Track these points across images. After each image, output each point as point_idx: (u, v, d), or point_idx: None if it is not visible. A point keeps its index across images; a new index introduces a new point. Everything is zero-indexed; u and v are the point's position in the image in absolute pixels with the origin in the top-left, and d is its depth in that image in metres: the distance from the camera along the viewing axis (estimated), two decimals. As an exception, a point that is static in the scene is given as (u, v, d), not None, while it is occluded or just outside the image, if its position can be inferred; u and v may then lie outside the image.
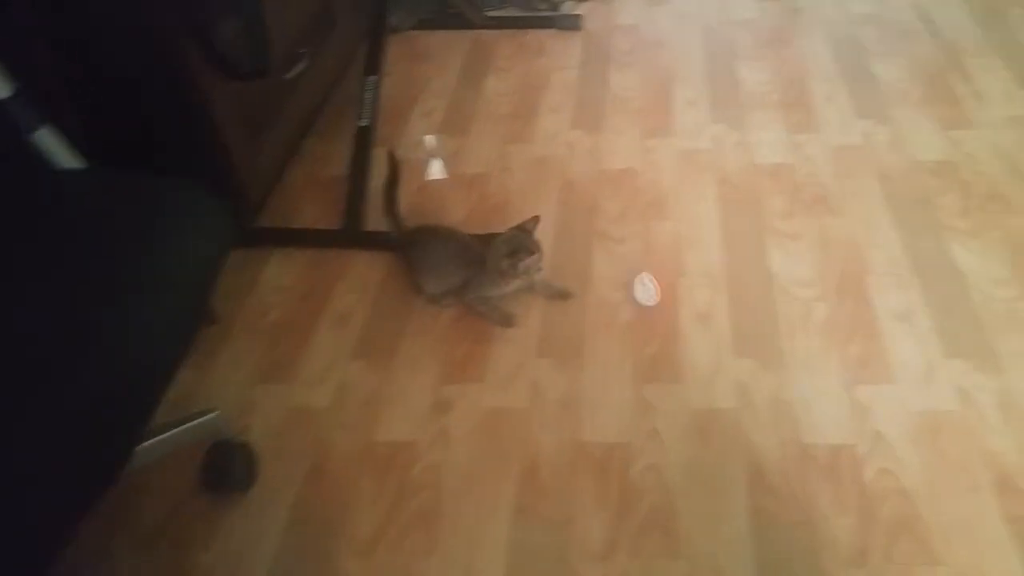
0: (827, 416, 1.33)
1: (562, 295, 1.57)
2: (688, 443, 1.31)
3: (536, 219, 1.53)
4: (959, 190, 1.72)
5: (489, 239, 1.53)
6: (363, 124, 1.89)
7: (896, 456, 1.26)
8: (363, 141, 1.87)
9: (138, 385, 0.69)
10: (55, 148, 1.06)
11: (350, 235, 1.73)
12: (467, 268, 1.54)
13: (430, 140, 1.97)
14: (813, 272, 1.57)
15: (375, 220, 1.74)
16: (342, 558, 1.19)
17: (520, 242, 1.49)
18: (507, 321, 1.53)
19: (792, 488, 1.23)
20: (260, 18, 1.38)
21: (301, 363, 1.49)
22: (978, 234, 1.61)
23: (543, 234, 1.70)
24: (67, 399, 0.64)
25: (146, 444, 1.07)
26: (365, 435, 1.36)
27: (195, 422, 1.18)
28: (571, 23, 2.39)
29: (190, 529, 1.24)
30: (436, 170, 1.88)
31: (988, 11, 2.28)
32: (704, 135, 1.95)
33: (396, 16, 2.26)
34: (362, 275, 1.66)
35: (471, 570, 1.17)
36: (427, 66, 2.28)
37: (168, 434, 1.13)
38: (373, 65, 1.94)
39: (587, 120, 2.03)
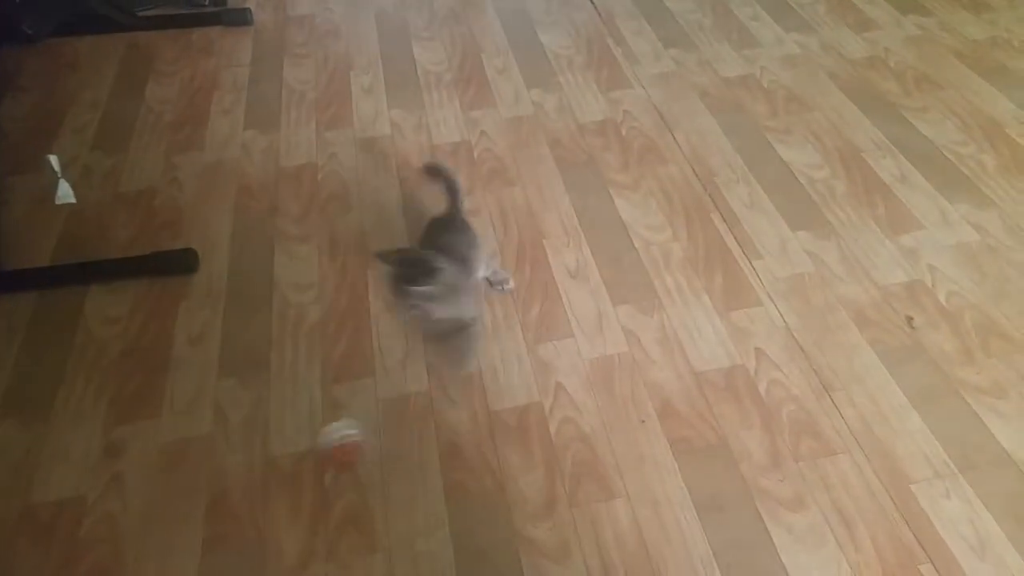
0: (514, 379, 1.38)
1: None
2: (382, 435, 1.30)
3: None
4: (619, 147, 1.87)
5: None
6: (-5, 149, 1.66)
7: (576, 404, 1.34)
8: (-4, 168, 1.65)
9: None
10: None
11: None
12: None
13: (53, 160, 1.75)
14: (493, 244, 1.63)
15: (20, 255, 1.56)
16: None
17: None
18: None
19: (484, 457, 1.27)
20: None
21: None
22: (636, 186, 1.76)
23: (219, 246, 1.62)
24: None
25: None
26: (21, 499, 1.21)
27: None
28: (240, 18, 2.27)
29: None
30: (64, 193, 1.69)
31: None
32: (383, 121, 1.94)
33: (28, 21, 2.01)
34: (6, 319, 1.47)
35: (153, 623, 1.08)
36: (76, 75, 2.06)
37: None
38: (3, 79, 1.71)
39: (262, 119, 1.95)
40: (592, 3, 2.38)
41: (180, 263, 1.55)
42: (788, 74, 2.07)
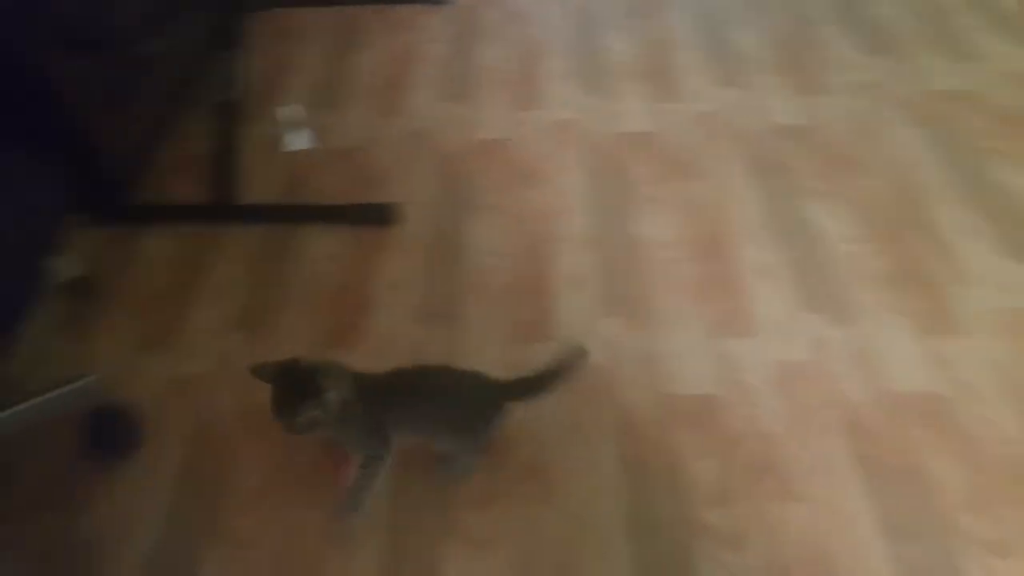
0: (693, 369, 1.39)
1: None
2: (562, 398, 1.34)
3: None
4: (813, 153, 1.83)
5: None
6: (230, 99, 1.83)
7: (757, 403, 1.34)
8: (230, 117, 1.81)
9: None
10: None
11: (222, 210, 1.68)
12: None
13: (290, 110, 1.92)
14: (678, 234, 1.64)
15: (251, 192, 1.73)
16: (232, 514, 1.19)
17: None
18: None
19: (660, 436, 1.29)
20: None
21: (181, 334, 1.46)
22: (830, 194, 1.72)
23: (417, 205, 1.71)
24: None
25: (22, 407, 1.03)
26: (249, 398, 1.34)
27: (72, 387, 1.15)
28: (440, -3, 2.38)
29: (76, 494, 1.21)
30: (301, 140, 1.84)
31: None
32: (572, 105, 1.99)
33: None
34: (239, 248, 1.63)
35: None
36: (293, 42, 2.22)
37: (44, 398, 1.10)
38: (236, 40, 1.88)
39: (458, 92, 2.04)
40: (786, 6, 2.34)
41: (385, 215, 1.66)
42: (1011, 92, 1.96)
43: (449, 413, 1.14)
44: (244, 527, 1.18)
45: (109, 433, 1.24)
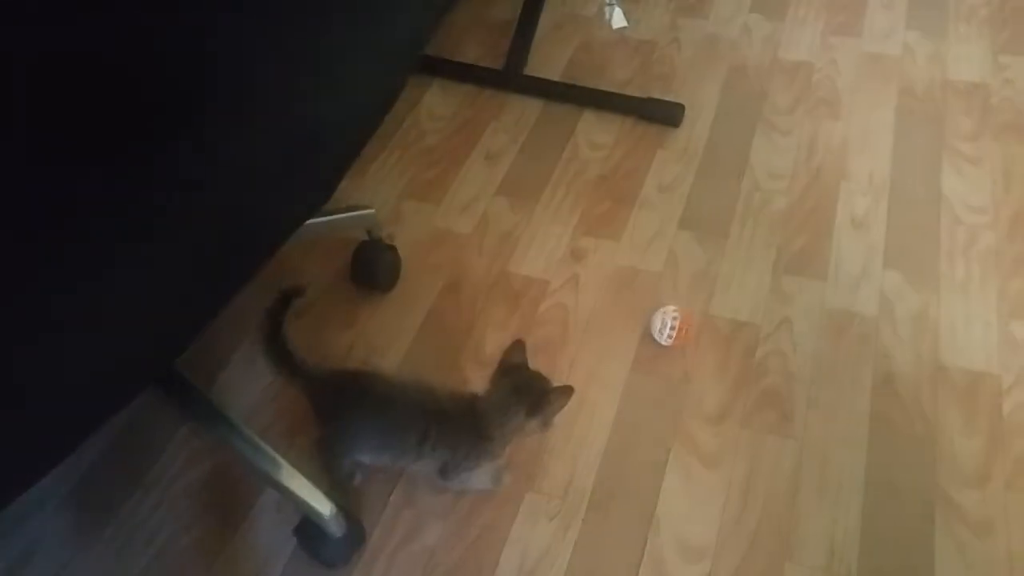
0: (974, 343, 1.27)
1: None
2: (819, 338, 1.28)
3: (521, 344, 1.08)
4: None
5: (459, 397, 1.06)
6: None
7: (1041, 395, 1.21)
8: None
9: (354, 120, 0.72)
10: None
11: (510, 77, 1.72)
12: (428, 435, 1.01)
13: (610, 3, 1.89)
14: (988, 199, 1.47)
15: (537, 66, 1.75)
16: (466, 366, 1.25)
17: (534, 387, 1.03)
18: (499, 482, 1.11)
19: (920, 403, 1.20)
20: None
21: (449, 189, 1.52)
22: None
23: (703, 112, 1.66)
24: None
25: (316, 220, 1.12)
26: (501, 264, 1.39)
27: (354, 214, 1.23)
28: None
29: (337, 310, 1.32)
30: (618, 18, 1.82)
31: None
32: (894, 40, 1.81)
33: None
34: (516, 117, 1.66)
35: (584, 403, 1.21)
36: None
37: (330, 217, 1.19)
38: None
39: (769, 5, 1.92)
40: None
41: (667, 114, 1.62)
42: None
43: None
44: (472, 380, 1.22)
45: (374, 265, 1.32)
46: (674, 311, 1.25)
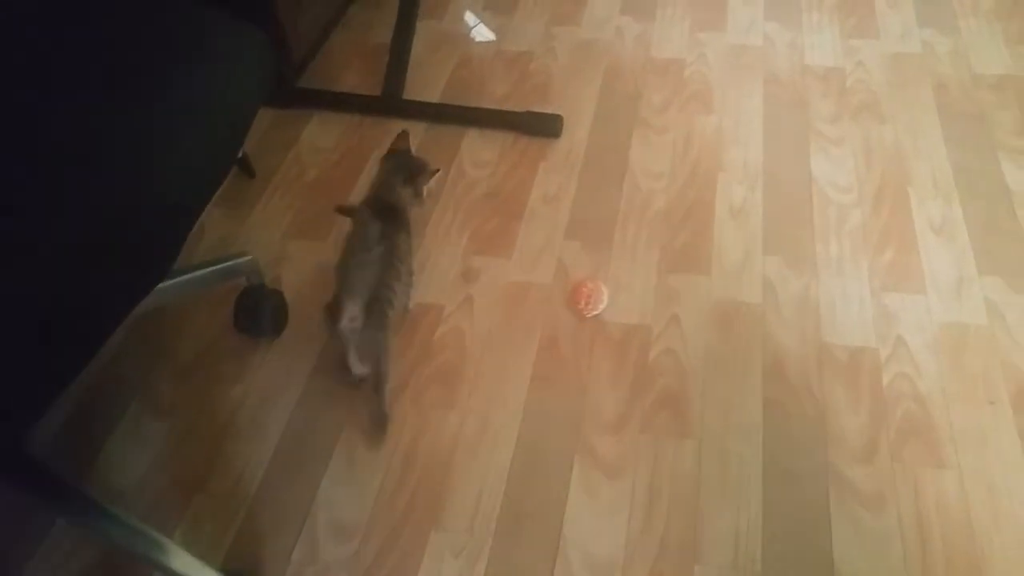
0: (852, 319, 1.33)
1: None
2: (708, 332, 1.32)
3: (405, 133, 1.41)
4: (1018, 107, 1.66)
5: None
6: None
7: (916, 363, 1.27)
8: (407, 9, 1.82)
9: (181, 199, 0.70)
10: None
11: (389, 103, 1.71)
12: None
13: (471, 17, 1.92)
14: (853, 178, 1.54)
15: (417, 88, 1.74)
16: (362, 407, 1.23)
17: (411, 164, 1.37)
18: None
19: (809, 384, 1.25)
20: None
21: (335, 223, 1.50)
22: None
23: (582, 118, 1.68)
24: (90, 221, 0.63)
25: (182, 279, 1.09)
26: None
27: (229, 263, 1.20)
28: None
29: (224, 365, 1.29)
30: (482, 33, 1.83)
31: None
32: (756, 32, 1.88)
33: None
34: (398, 143, 1.65)
35: (487, 427, 1.21)
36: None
37: (205, 271, 1.16)
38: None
39: (638, 7, 1.96)
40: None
41: (547, 126, 1.64)
42: None
43: None
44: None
45: (258, 313, 1.30)
46: (591, 283, 1.36)
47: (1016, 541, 1.07)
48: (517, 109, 1.68)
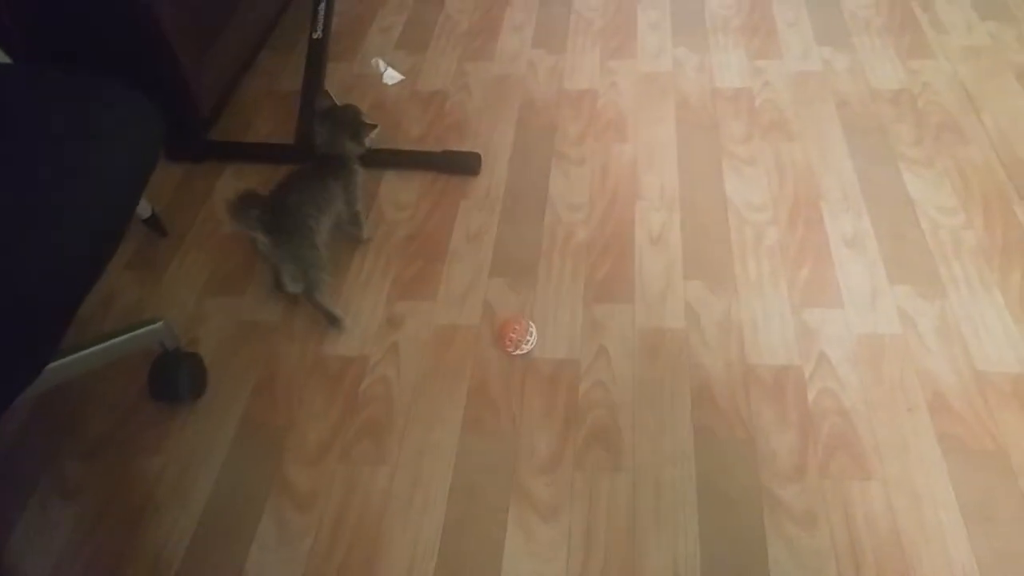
0: (774, 338, 1.35)
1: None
2: (636, 361, 1.32)
3: (326, 92, 1.53)
4: (914, 119, 1.73)
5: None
6: (316, 37, 1.81)
7: (839, 377, 1.29)
8: (317, 55, 1.80)
9: (54, 289, 0.67)
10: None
11: (303, 150, 1.68)
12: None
13: (377, 63, 1.91)
14: (767, 197, 1.58)
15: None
16: (290, 469, 1.20)
17: (350, 118, 1.45)
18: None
19: (737, 407, 1.26)
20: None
21: (253, 277, 1.47)
22: (930, 163, 1.63)
23: (500, 154, 1.69)
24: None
25: (85, 353, 1.05)
26: (314, 348, 1.35)
27: (139, 331, 1.16)
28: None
29: (139, 436, 1.24)
30: (390, 76, 1.83)
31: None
32: (665, 58, 1.92)
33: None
34: (315, 191, 1.63)
35: (419, 479, 1.18)
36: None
37: (111, 342, 1.11)
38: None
39: (549, 40, 1.99)
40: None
41: (465, 164, 1.64)
42: None
43: None
44: (303, 482, 1.19)
45: (173, 378, 1.26)
46: (518, 321, 1.35)
47: (941, 549, 1.09)
48: (434, 148, 1.68)
